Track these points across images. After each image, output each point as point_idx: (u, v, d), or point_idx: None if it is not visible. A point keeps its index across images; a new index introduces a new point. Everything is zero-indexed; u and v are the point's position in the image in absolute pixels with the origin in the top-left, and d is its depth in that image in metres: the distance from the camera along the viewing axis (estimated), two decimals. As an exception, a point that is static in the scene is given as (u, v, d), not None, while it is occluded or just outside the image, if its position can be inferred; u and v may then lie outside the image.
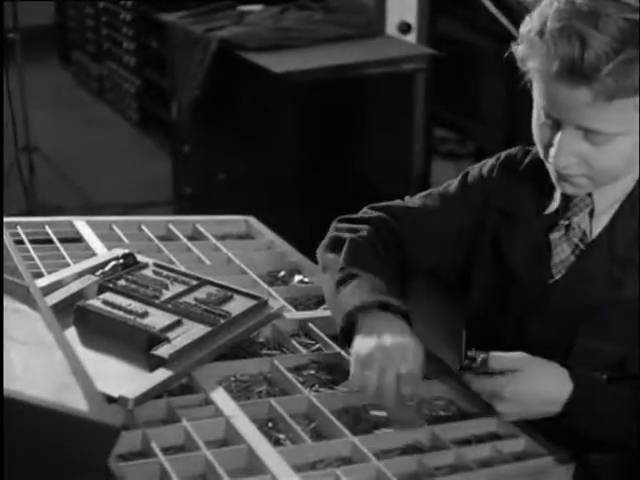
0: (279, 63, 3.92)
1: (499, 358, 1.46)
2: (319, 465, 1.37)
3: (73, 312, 1.62)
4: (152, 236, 2.11)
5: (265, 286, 1.89)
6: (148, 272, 1.77)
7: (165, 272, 1.77)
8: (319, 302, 1.89)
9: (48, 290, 1.67)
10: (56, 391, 1.17)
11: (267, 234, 2.20)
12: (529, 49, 1.45)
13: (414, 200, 1.81)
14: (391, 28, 4.53)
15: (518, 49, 1.48)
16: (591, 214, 1.57)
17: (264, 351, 1.68)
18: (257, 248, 2.15)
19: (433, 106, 4.41)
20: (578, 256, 1.59)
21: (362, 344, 1.50)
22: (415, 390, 1.49)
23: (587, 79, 1.38)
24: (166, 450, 1.35)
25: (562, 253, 1.60)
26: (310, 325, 1.75)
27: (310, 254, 2.10)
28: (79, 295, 1.68)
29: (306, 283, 1.98)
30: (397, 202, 1.82)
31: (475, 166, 1.77)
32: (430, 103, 4.35)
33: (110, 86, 6.81)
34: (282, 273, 2.02)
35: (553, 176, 1.55)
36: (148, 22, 5.74)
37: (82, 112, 6.72)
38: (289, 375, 1.57)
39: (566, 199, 1.60)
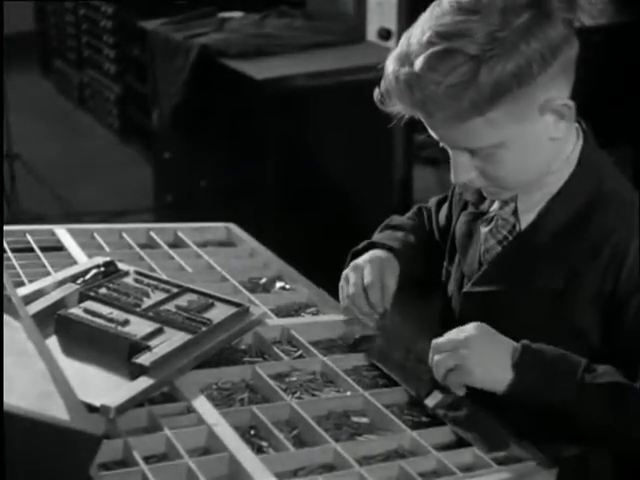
0: (260, 70, 3.93)
1: None
2: (301, 472, 1.36)
3: (54, 321, 1.61)
4: (133, 244, 2.10)
5: (246, 293, 1.89)
6: (129, 280, 1.77)
7: (146, 280, 1.77)
8: (301, 309, 1.89)
9: (29, 299, 1.67)
10: (37, 400, 1.16)
11: (248, 241, 2.20)
12: (384, 92, 1.53)
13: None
14: (371, 34, 4.53)
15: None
16: (516, 209, 1.62)
17: (246, 358, 1.67)
18: (238, 255, 2.14)
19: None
20: (504, 247, 1.64)
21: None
22: (380, 300, 1.72)
23: (426, 113, 1.47)
24: (148, 459, 1.35)
25: (488, 243, 1.66)
26: (292, 332, 1.75)
27: (291, 261, 2.10)
28: (60, 304, 1.67)
29: (288, 290, 1.98)
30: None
31: None
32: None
33: (91, 94, 6.80)
34: (263, 280, 2.02)
35: None
36: (129, 29, 5.73)
37: (63, 120, 6.71)
38: (271, 382, 1.57)
39: None
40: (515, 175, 1.55)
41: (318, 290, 1.96)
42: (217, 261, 2.03)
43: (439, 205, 1.92)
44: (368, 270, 1.75)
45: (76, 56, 7.04)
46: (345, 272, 1.79)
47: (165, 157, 4.76)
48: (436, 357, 1.50)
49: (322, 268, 2.03)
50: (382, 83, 1.52)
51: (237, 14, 4.76)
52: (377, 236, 1.88)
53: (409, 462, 1.39)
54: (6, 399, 1.09)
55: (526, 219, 1.61)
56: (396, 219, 1.94)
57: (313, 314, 1.88)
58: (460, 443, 1.47)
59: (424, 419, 1.54)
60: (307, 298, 1.94)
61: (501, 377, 1.45)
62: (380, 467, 1.38)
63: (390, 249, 1.80)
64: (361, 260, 1.79)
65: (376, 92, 1.54)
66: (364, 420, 1.51)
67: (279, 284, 2.01)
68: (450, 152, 1.56)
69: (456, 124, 1.46)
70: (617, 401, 1.43)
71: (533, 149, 1.53)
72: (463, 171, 1.55)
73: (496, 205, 1.66)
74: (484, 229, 1.67)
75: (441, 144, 1.56)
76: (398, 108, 1.52)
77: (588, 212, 1.56)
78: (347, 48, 4.32)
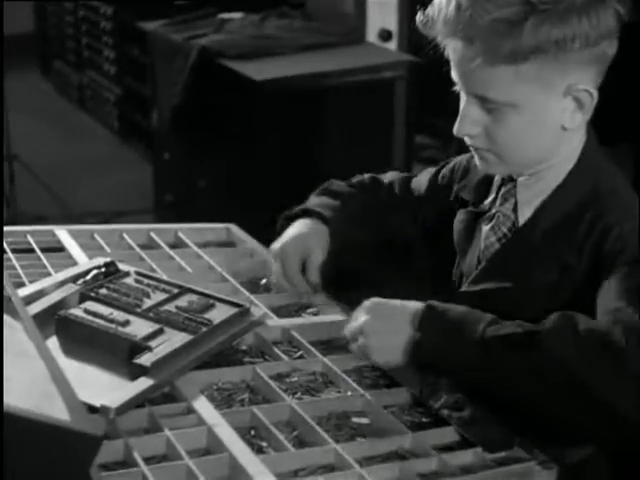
0: (259, 71, 3.93)
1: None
2: (302, 473, 1.36)
3: (55, 321, 1.61)
4: (133, 244, 2.10)
5: (247, 294, 1.89)
6: (129, 280, 1.77)
7: (146, 280, 1.77)
8: (301, 309, 1.89)
9: (30, 299, 1.67)
10: (37, 401, 1.16)
11: (248, 241, 2.20)
12: (430, 14, 1.54)
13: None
14: (371, 35, 4.54)
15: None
16: (515, 205, 1.62)
17: (246, 359, 1.67)
18: (238, 256, 2.14)
19: (413, 112, 4.42)
20: (503, 244, 1.64)
21: (274, 244, 1.85)
22: (302, 282, 1.80)
23: (468, 40, 1.48)
24: (148, 459, 1.35)
25: (488, 241, 1.66)
26: (292, 332, 1.75)
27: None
28: (61, 304, 1.67)
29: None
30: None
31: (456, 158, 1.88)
32: (411, 110, 4.36)
33: (91, 95, 6.80)
34: (264, 280, 2.02)
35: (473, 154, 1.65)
36: (128, 31, 5.73)
37: (63, 121, 6.71)
38: (271, 383, 1.56)
39: (498, 190, 1.67)
40: (515, 146, 1.55)
41: (318, 290, 1.96)
42: (217, 262, 2.03)
43: (405, 183, 1.96)
44: (291, 254, 1.80)
45: (76, 57, 7.04)
46: (273, 249, 1.84)
47: (165, 158, 4.76)
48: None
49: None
50: (429, 7, 1.53)
51: (237, 15, 4.76)
52: (313, 201, 1.91)
53: (409, 463, 1.39)
54: (6, 399, 1.09)
55: (524, 215, 1.62)
56: (336, 185, 1.97)
57: (313, 314, 1.88)
58: (461, 444, 1.47)
59: (424, 420, 1.53)
60: (307, 298, 1.93)
61: (404, 341, 1.46)
62: (380, 468, 1.38)
63: (322, 218, 1.84)
64: (288, 236, 1.83)
65: (419, 15, 1.55)
66: (364, 421, 1.51)
67: (279, 284, 2.00)
68: (462, 102, 1.57)
69: (485, 66, 1.48)
70: (525, 348, 1.38)
71: (542, 127, 1.53)
72: (469, 123, 1.56)
73: (497, 202, 1.66)
74: (485, 227, 1.67)
75: (457, 88, 1.57)
76: (438, 31, 1.52)
77: (583, 210, 1.56)
78: (347, 49, 4.32)
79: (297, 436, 1.46)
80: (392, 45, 4.53)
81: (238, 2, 4.88)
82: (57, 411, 1.16)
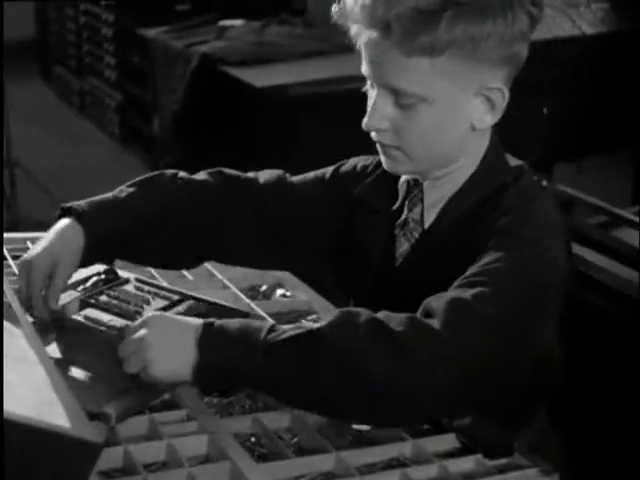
0: (260, 77, 3.93)
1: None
2: (302, 480, 1.37)
3: (55, 328, 1.61)
4: (134, 251, 2.10)
5: (247, 300, 1.89)
6: (130, 287, 1.77)
7: (147, 287, 1.77)
8: (301, 316, 1.89)
9: (29, 306, 1.66)
10: (37, 408, 1.16)
11: (249, 248, 2.20)
12: (347, 3, 1.52)
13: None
14: (372, 42, 4.54)
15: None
16: (423, 210, 1.60)
17: (247, 366, 1.67)
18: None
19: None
20: (412, 249, 1.61)
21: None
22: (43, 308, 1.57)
23: (384, 29, 1.46)
24: (148, 466, 1.35)
25: (401, 247, 1.62)
26: (293, 339, 1.74)
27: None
28: (60, 311, 1.67)
29: (288, 297, 1.98)
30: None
31: (353, 159, 1.82)
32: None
33: (91, 101, 6.81)
34: (264, 287, 2.02)
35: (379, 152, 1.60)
36: (129, 37, 5.74)
37: (63, 127, 6.72)
38: (272, 390, 1.56)
39: (405, 196, 1.63)
40: (424, 142, 1.52)
41: (319, 297, 1.96)
42: (217, 268, 2.03)
43: (278, 186, 1.82)
44: (37, 268, 1.56)
45: (77, 63, 7.05)
46: (20, 260, 1.61)
47: (166, 164, 4.76)
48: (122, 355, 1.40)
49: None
50: None
51: (237, 22, 4.77)
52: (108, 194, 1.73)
53: (410, 470, 1.39)
54: (6, 406, 1.09)
55: (430, 219, 1.59)
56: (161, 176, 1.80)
57: (314, 321, 1.87)
58: (461, 451, 1.47)
59: (425, 427, 1.53)
60: (308, 305, 1.93)
61: (187, 359, 1.35)
62: (381, 475, 1.38)
63: (79, 215, 1.65)
64: (41, 244, 1.60)
65: (335, 7, 1.54)
66: (365, 427, 1.51)
67: (279, 291, 2.01)
68: (374, 94, 1.54)
69: (401, 56, 1.46)
70: (310, 347, 1.33)
71: (452, 125, 1.51)
72: (379, 117, 1.53)
73: (405, 208, 1.62)
74: (399, 234, 1.63)
75: (369, 82, 1.55)
76: (354, 20, 1.51)
77: (485, 207, 1.54)
78: (347, 56, 4.32)
79: (297, 443, 1.46)
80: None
81: (239, 9, 4.90)
82: (57, 418, 1.16)
